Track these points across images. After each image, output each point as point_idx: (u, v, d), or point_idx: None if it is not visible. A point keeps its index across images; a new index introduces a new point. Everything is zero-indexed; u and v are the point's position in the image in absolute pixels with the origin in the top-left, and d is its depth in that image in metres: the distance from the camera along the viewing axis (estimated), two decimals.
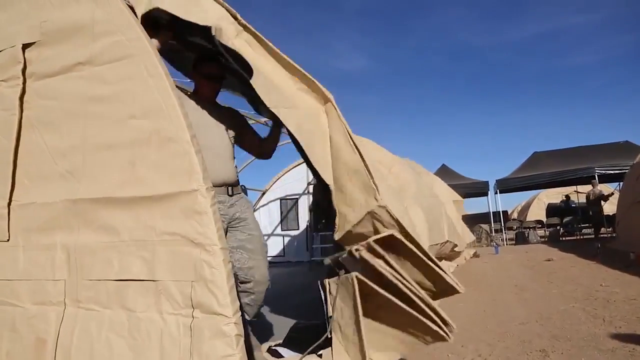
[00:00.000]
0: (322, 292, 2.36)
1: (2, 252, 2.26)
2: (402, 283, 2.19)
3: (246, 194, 2.95)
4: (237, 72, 2.42)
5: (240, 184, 2.86)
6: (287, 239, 13.28)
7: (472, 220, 16.88)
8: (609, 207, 15.39)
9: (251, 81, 2.30)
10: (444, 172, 16.87)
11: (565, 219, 15.66)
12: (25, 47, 2.32)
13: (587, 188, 16.85)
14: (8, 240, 2.25)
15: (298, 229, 12.94)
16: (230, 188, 2.71)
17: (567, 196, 16.75)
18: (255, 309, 2.78)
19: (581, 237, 15.26)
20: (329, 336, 2.27)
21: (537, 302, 4.24)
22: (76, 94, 2.20)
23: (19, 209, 2.26)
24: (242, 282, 2.69)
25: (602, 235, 13.90)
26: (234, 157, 2.83)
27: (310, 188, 10.99)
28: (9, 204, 2.27)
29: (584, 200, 16.59)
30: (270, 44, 2.42)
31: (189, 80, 3.17)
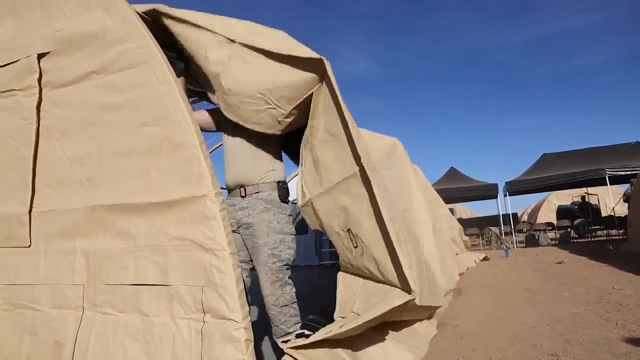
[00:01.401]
0: None
1: (24, 258, 2.31)
2: None
3: (284, 191, 2.67)
4: None
5: (277, 180, 2.64)
6: (296, 243, 13.25)
7: (481, 223, 16.81)
8: (621, 209, 15.21)
9: None
10: (453, 175, 16.81)
11: (577, 221, 15.51)
12: (40, 56, 2.37)
13: (597, 190, 16.69)
14: (29, 246, 2.30)
15: (307, 233, 12.94)
16: (243, 189, 2.59)
17: (583, 197, 16.54)
18: (275, 329, 2.51)
19: (593, 239, 15.10)
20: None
21: (548, 305, 4.20)
22: (91, 103, 2.24)
23: (40, 216, 2.31)
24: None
25: (613, 237, 13.76)
26: (266, 153, 2.65)
27: None
28: (30, 211, 2.32)
29: (596, 203, 16.44)
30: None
31: None
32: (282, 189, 2.67)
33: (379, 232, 2.39)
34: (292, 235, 2.65)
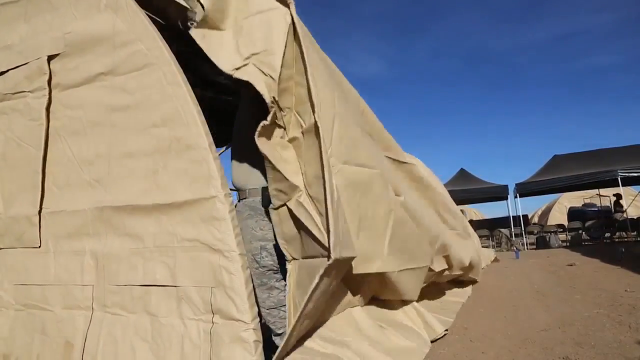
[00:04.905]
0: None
1: (34, 258, 2.34)
2: None
3: (267, 197, 2.50)
4: None
5: (263, 186, 2.54)
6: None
7: (491, 225, 16.69)
8: (634, 211, 15.02)
9: None
10: (463, 177, 16.70)
11: (588, 223, 15.31)
12: (50, 58, 2.39)
13: (609, 191, 16.48)
14: (39, 246, 2.32)
15: None
16: (237, 194, 2.64)
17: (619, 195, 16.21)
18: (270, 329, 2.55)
19: (605, 240, 14.92)
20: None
21: (559, 308, 4.15)
22: (100, 104, 2.26)
23: (49, 217, 2.33)
24: None
25: (625, 239, 13.59)
26: (260, 159, 2.37)
27: None
28: (40, 212, 2.34)
29: (607, 204, 16.22)
30: None
31: None
32: (266, 196, 2.55)
33: None
34: (274, 242, 2.57)
